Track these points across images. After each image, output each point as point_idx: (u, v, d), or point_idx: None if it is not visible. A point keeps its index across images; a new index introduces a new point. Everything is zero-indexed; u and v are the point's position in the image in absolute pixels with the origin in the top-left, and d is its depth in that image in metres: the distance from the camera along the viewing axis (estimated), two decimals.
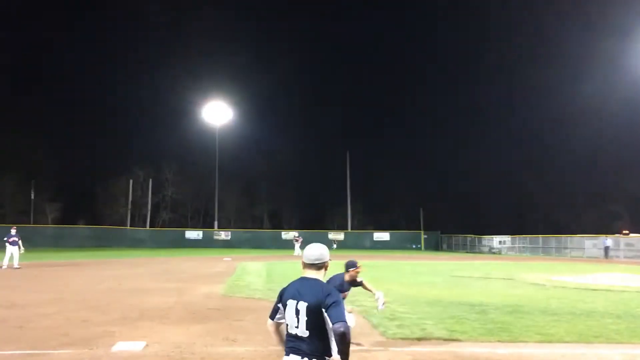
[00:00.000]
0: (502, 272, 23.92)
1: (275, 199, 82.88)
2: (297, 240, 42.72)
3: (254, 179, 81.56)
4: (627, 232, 49.00)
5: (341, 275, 7.41)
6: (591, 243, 49.26)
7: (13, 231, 23.66)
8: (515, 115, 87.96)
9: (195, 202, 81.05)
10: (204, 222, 78.26)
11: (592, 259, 43.83)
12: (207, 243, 61.84)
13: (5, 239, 23.49)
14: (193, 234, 65.41)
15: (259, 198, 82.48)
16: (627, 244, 46.41)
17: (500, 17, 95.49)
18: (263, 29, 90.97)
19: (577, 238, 52.06)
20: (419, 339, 8.75)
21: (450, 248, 65.33)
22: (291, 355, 3.72)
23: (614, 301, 13.83)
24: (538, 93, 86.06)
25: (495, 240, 60.91)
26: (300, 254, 28.37)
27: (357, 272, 7.46)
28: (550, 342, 8.72)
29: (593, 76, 70.80)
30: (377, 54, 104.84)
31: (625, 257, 43.43)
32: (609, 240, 45.15)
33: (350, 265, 7.49)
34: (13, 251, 23.25)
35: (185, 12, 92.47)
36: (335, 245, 59.70)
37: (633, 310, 12.11)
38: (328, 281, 7.02)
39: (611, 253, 44.04)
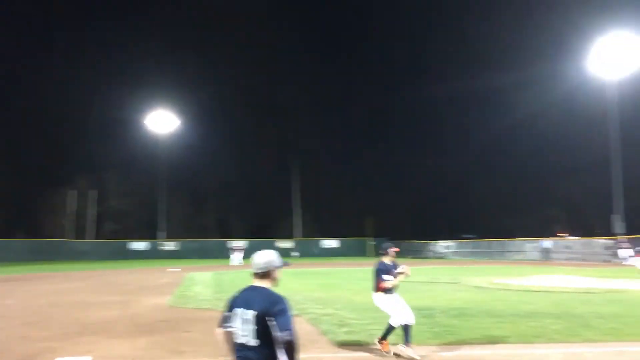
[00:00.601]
0: (448, 276, 24.43)
1: (223, 208, 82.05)
2: (236, 250, 41.85)
3: (201, 187, 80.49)
4: (563, 234, 50.88)
5: (382, 261, 8.28)
6: (531, 246, 51.00)
7: None
8: (460, 124, 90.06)
9: (140, 212, 79.21)
10: (150, 233, 76.60)
11: (532, 261, 45.29)
12: (153, 254, 60.70)
13: None
14: (138, 245, 64.03)
15: (207, 207, 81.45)
16: (566, 247, 48.27)
17: (447, 20, 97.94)
18: (208, 36, 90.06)
19: (518, 241, 53.79)
20: (368, 345, 8.82)
21: (398, 254, 66.10)
22: None
23: (553, 302, 14.33)
24: (483, 100, 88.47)
25: (441, 245, 62.18)
26: (239, 264, 28.16)
27: (396, 251, 8.45)
28: (494, 343, 8.97)
29: (533, 85, 73.41)
30: (325, 60, 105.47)
31: (564, 259, 45.08)
32: (546, 243, 46.78)
33: (386, 247, 8.43)
34: None
35: (127, 16, 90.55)
36: (297, 254, 61.35)
37: (572, 310, 12.58)
38: (376, 267, 8.19)
39: (550, 255, 45.65)
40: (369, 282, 8.48)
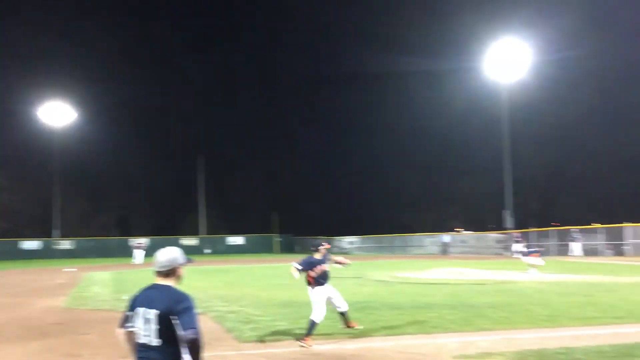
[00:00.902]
0: (352, 271, 24.93)
1: (124, 205, 78.98)
2: (138, 248, 40.32)
3: (100, 184, 76.98)
4: (459, 229, 53.47)
5: (311, 256, 9.02)
6: (430, 241, 53.28)
7: None
8: (365, 122, 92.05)
9: (33, 209, 74.60)
10: (43, 231, 72.30)
11: (431, 255, 47.28)
12: (47, 253, 57.44)
13: None
14: (30, 244, 60.41)
15: (106, 204, 78.05)
16: (461, 241, 50.83)
17: (353, 16, 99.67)
18: (106, 28, 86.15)
19: (417, 236, 56.00)
20: (273, 341, 8.86)
21: (304, 250, 66.80)
22: None
23: (450, 293, 15.06)
24: (387, 99, 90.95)
25: (346, 241, 63.48)
26: (140, 263, 27.32)
27: (327, 248, 9.20)
28: (395, 334, 9.29)
29: (435, 85, 76.40)
30: (229, 54, 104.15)
31: (460, 252, 47.42)
32: (445, 237, 48.97)
33: (317, 244, 9.22)
34: None
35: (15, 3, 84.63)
36: (209, 251, 61.29)
37: (466, 301, 13.28)
38: (305, 261, 8.95)
39: (448, 249, 47.82)
40: (276, 278, 8.94)
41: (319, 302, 8.78)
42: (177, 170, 79.62)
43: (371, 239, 61.42)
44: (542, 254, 22.90)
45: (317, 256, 8.97)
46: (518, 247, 37.82)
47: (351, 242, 63.02)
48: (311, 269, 8.81)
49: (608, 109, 65.55)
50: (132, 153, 78.85)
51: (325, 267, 8.94)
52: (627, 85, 63.62)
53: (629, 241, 37.54)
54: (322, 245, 9.15)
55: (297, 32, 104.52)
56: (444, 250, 46.76)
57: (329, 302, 9.06)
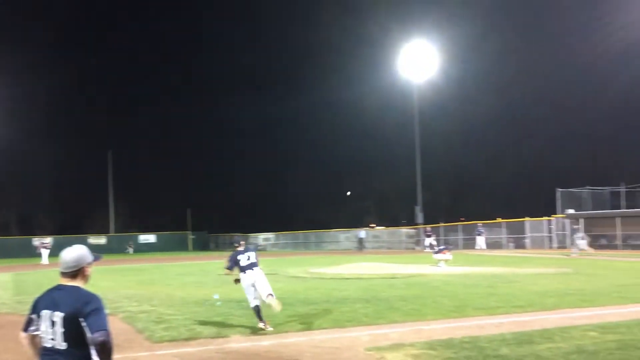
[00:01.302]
0: (267, 268, 24.86)
1: (26, 203, 74.57)
2: (42, 247, 38.19)
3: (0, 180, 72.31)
4: (373, 225, 54.71)
5: (234, 252, 10.06)
6: (344, 236, 54.14)
7: None
8: (281, 120, 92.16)
9: None
10: None
11: (346, 251, 48.08)
12: None
13: None
14: None
15: (5, 202, 73.32)
16: (374, 236, 52.06)
17: (268, 22, 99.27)
18: (17, 21, 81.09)
19: (332, 232, 56.76)
20: (187, 340, 8.71)
21: (219, 247, 66.00)
22: None
23: (363, 288, 15.40)
24: (303, 98, 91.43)
25: (261, 238, 63.30)
26: (47, 262, 26.07)
27: (243, 243, 10.30)
28: (310, 329, 9.39)
29: (353, 85, 77.71)
30: (145, 54, 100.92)
31: (373, 247, 48.51)
32: (362, 233, 49.80)
33: (236, 240, 10.49)
34: None
35: None
36: (131, 250, 59.98)
37: (379, 295, 13.64)
38: (230, 258, 9.92)
39: (364, 245, 48.44)
40: (190, 276, 9.05)
41: (247, 288, 9.66)
42: (85, 167, 76.18)
43: (286, 236, 61.63)
44: (450, 249, 23.98)
45: (241, 249, 9.99)
46: (429, 240, 39.25)
47: (266, 239, 62.94)
48: (237, 263, 9.79)
49: (510, 110, 69.33)
50: (35, 148, 74.62)
51: (248, 255, 9.89)
52: (528, 87, 67.59)
53: (528, 235, 39.94)
54: (241, 240, 10.38)
55: (213, 25, 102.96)
56: (360, 245, 47.51)
57: (255, 288, 9.65)
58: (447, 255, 22.80)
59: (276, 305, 9.47)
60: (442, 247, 24.01)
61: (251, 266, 9.75)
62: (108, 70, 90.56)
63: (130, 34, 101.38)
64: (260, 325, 9.40)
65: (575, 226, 29.99)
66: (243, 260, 9.79)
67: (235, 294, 14.63)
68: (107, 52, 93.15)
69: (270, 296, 9.50)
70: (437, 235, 42.03)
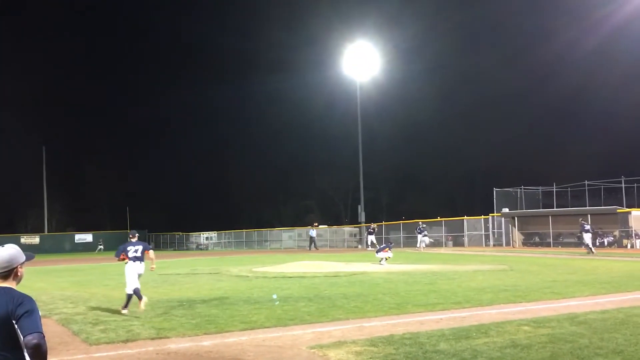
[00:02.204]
0: (209, 267, 24.64)
1: None
2: None
3: None
4: (316, 224, 54.86)
5: (126, 242, 11.70)
6: (287, 235, 54.08)
7: None
8: (224, 116, 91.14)
9: None
10: None
11: (288, 249, 48.04)
12: None
13: None
14: None
15: None
16: (318, 235, 52.11)
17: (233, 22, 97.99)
18: None
19: (276, 231, 56.62)
20: (125, 341, 8.49)
21: (159, 246, 64.73)
22: None
23: (306, 286, 15.43)
24: (249, 95, 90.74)
25: (203, 237, 62.49)
26: None
27: (136, 234, 12.00)
28: (252, 328, 9.34)
29: (298, 85, 77.67)
30: (83, 50, 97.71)
31: (319, 246, 48.51)
32: (313, 231, 48.38)
33: (132, 232, 12.09)
34: None
35: None
36: (101, 247, 58.48)
37: (322, 293, 13.71)
38: (119, 248, 11.58)
39: (315, 243, 47.29)
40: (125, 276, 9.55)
41: (130, 275, 11.23)
42: (18, 164, 73.03)
43: (229, 234, 61.08)
44: (390, 247, 24.37)
45: (133, 240, 11.58)
46: (371, 238, 39.69)
47: (208, 238, 62.18)
48: (124, 251, 11.37)
49: (451, 111, 71.09)
50: None
51: (136, 248, 11.40)
52: (468, 89, 69.51)
53: (467, 233, 41.10)
54: (135, 233, 11.99)
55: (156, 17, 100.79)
56: (311, 244, 46.08)
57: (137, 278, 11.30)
58: (389, 253, 23.20)
59: (143, 304, 11.06)
60: (383, 246, 24.40)
61: (136, 259, 11.32)
62: (42, 62, 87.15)
63: (68, 28, 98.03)
64: (123, 311, 10.99)
65: (582, 222, 29.38)
66: (131, 251, 11.34)
67: (174, 293, 14.40)
68: (42, 42, 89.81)
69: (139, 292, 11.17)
70: (380, 233, 42.59)
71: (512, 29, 68.22)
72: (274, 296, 12.18)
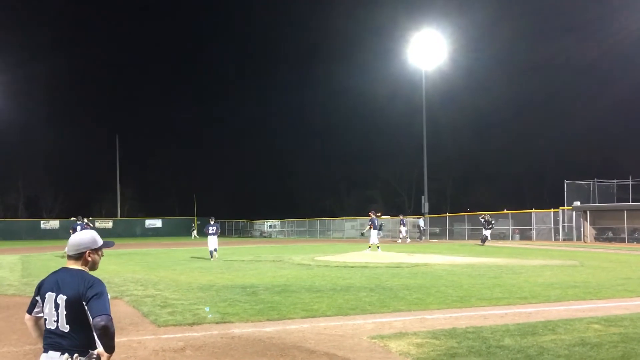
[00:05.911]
0: (272, 255, 25.02)
1: (33, 186, 74.88)
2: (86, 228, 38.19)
3: (6, 163, 72.71)
4: (379, 214, 54.56)
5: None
6: (350, 225, 54.11)
7: None
8: (291, 107, 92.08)
9: None
10: None
11: (350, 239, 48.08)
12: None
13: None
14: None
15: (13, 184, 73.71)
16: (380, 225, 51.87)
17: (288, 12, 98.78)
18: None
19: (338, 220, 56.77)
20: (192, 325, 8.75)
21: (224, 233, 66.27)
22: (50, 352, 3.46)
23: (368, 276, 15.41)
24: (312, 85, 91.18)
25: (266, 225, 63.44)
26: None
27: (211, 221, 17.54)
28: (314, 316, 9.41)
29: (362, 73, 77.42)
30: (156, 34, 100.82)
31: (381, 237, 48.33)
32: (421, 221, 46.19)
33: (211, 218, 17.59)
34: None
35: None
36: (195, 234, 56.95)
37: (383, 284, 13.65)
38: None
39: (424, 234, 46.05)
40: (195, 262, 8.98)
41: (209, 242, 20.10)
42: (94, 150, 76.46)
43: (292, 223, 61.68)
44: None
45: (212, 222, 18.54)
46: (404, 230, 39.41)
47: (272, 226, 63.05)
48: (206, 229, 16.84)
49: (519, 101, 68.84)
50: (43, 131, 74.90)
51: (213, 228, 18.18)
52: (538, 78, 66.99)
53: (535, 226, 39.83)
54: (214, 218, 17.72)
55: (221, 13, 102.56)
56: (420, 235, 44.88)
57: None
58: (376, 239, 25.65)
59: (214, 259, 17.19)
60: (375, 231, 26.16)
61: (213, 234, 19.87)
62: (115, 56, 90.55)
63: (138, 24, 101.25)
64: (212, 259, 17.86)
65: None
66: (211, 230, 19.27)
67: (238, 280, 14.71)
68: (114, 39, 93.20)
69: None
70: (443, 225, 41.93)
71: (587, 12, 65.21)
72: (207, 309, 10.21)
